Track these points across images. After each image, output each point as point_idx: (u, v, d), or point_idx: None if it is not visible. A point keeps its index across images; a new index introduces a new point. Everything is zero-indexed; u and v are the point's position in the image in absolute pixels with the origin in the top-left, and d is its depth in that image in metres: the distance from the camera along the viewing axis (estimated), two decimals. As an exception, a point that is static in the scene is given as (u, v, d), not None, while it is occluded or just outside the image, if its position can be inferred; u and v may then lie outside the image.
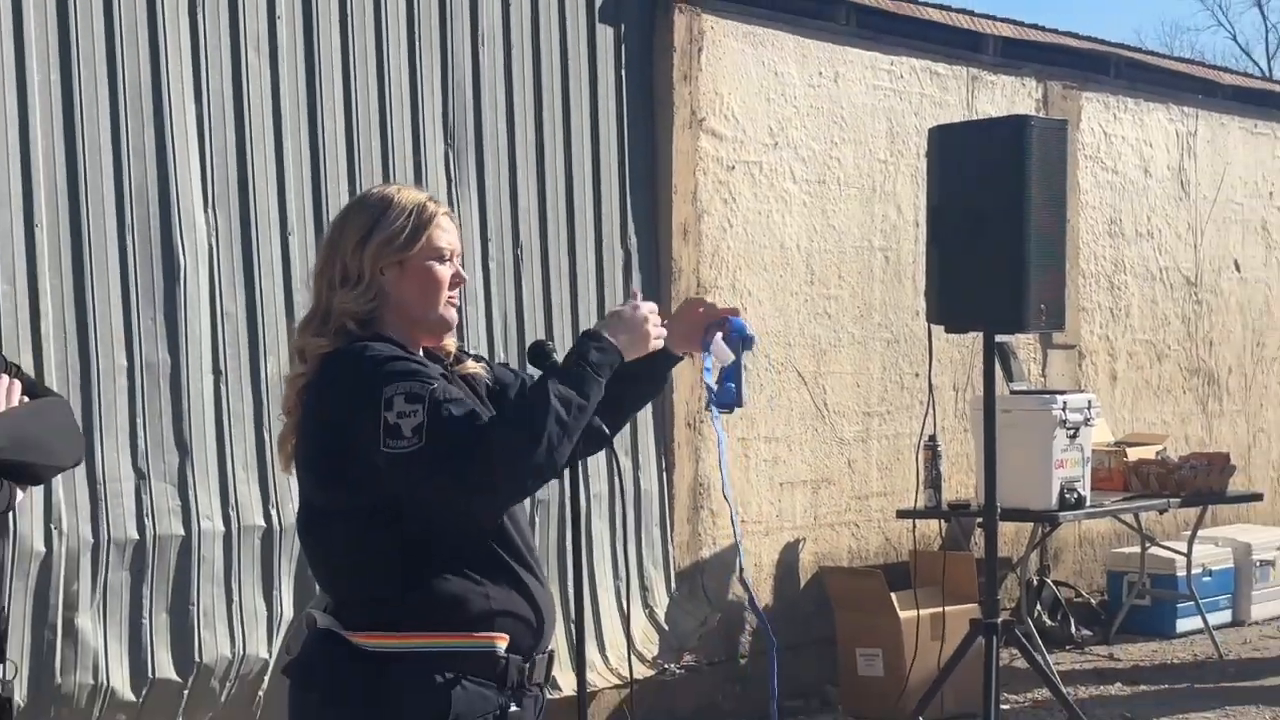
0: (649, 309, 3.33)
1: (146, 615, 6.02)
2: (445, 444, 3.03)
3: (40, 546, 5.70)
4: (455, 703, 3.11)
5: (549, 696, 7.07)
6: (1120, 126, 10.61)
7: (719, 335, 3.51)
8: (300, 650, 3.34)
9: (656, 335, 3.32)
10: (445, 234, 3.29)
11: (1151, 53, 12.09)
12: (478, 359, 3.46)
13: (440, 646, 3.13)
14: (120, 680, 5.94)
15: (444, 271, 3.29)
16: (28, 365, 5.71)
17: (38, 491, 5.72)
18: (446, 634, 3.13)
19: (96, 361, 5.93)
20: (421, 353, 3.31)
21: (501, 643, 3.16)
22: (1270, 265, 11.81)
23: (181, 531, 6.13)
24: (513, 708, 3.18)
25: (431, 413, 3.03)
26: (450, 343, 3.40)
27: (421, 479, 3.06)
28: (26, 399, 3.39)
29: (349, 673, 3.15)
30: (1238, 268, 11.55)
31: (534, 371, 3.33)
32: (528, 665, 3.22)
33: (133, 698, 5.97)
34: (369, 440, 3.07)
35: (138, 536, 6.01)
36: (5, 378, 3.24)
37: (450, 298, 3.30)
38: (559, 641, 7.29)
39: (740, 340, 3.52)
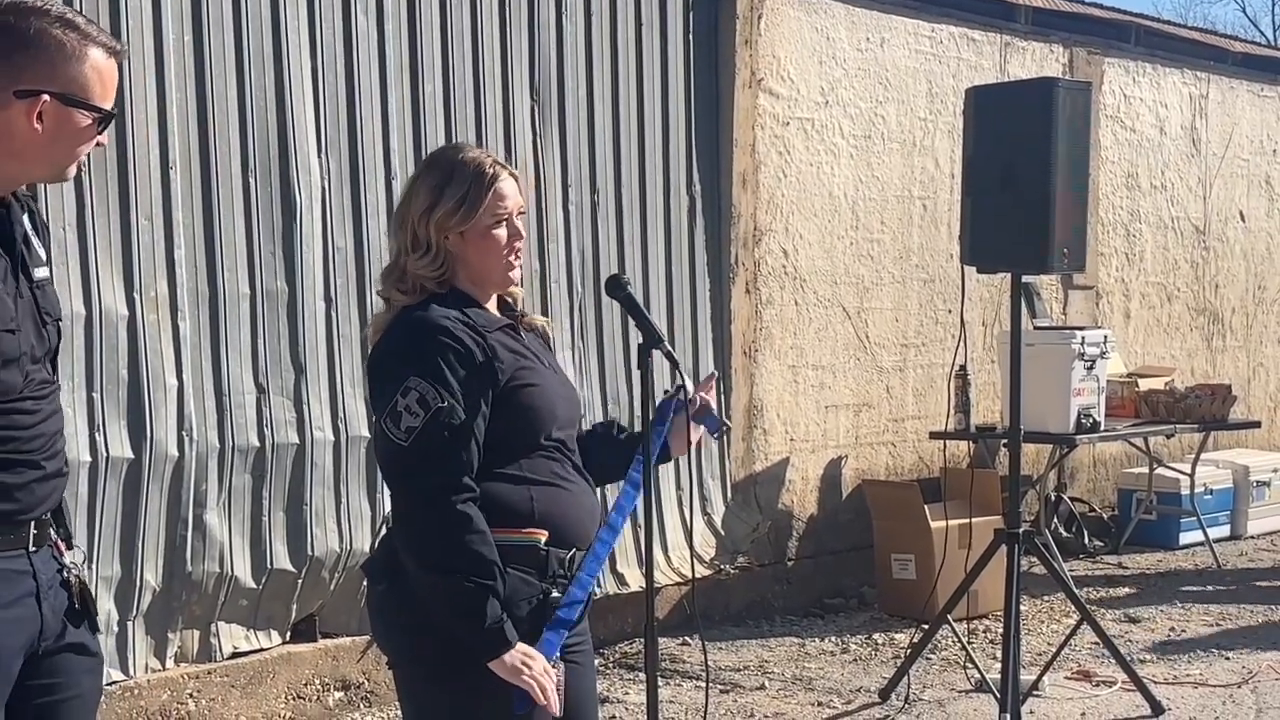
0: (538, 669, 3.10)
1: (266, 513, 6.09)
2: (415, 460, 3.05)
3: (174, 451, 5.77)
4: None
5: (619, 592, 7.09)
6: (1138, 89, 10.47)
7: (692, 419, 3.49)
8: (375, 549, 3.37)
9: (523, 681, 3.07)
10: (504, 199, 3.21)
11: (1168, 22, 11.87)
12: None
13: None
14: (243, 570, 6.02)
15: (501, 235, 3.22)
16: (163, 292, 5.78)
17: (171, 403, 5.79)
18: (493, 529, 3.08)
19: (223, 288, 5.96)
20: (494, 302, 3.29)
21: (542, 537, 3.14)
22: (1272, 216, 11.65)
23: (296, 440, 6.19)
24: (553, 593, 3.15)
25: (427, 426, 3.04)
26: (518, 291, 3.36)
27: (383, 462, 3.15)
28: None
29: None
30: (1243, 218, 11.41)
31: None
32: (568, 557, 3.20)
33: (253, 585, 6.05)
34: (377, 402, 3.13)
35: (258, 444, 6.07)
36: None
37: (508, 258, 3.25)
38: (628, 544, 7.34)
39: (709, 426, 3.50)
